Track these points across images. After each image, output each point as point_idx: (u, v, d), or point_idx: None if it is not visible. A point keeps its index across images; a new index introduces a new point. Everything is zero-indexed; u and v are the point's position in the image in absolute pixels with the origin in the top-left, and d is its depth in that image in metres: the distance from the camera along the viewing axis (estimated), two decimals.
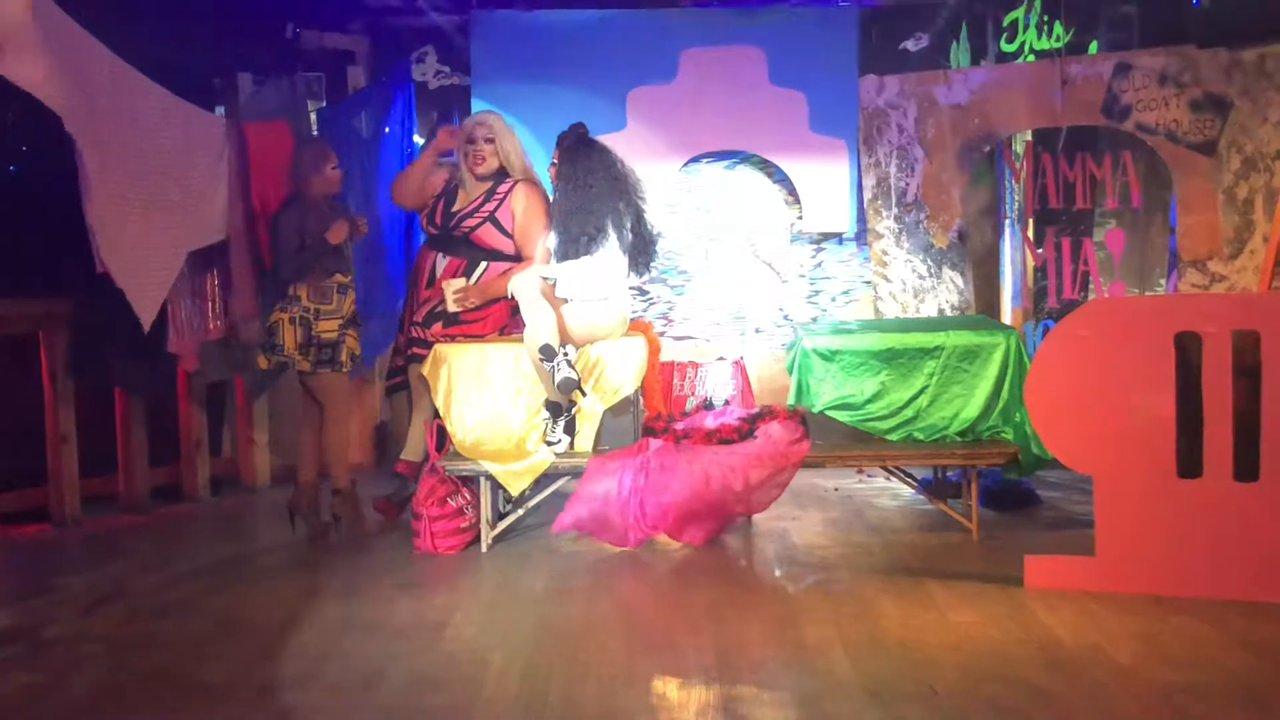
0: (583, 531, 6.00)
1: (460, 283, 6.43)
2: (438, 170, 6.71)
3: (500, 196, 6.52)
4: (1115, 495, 4.99)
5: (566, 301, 6.17)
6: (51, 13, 5.64)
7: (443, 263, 6.54)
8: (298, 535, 6.35)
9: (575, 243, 6.19)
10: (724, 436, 5.99)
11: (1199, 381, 4.90)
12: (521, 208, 6.50)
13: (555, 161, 6.37)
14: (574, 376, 5.92)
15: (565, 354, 5.95)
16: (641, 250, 6.36)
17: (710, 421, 6.12)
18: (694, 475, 5.84)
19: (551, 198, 6.43)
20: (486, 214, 6.49)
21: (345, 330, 6.27)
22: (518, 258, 6.53)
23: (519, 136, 7.11)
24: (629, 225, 6.27)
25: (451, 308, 6.43)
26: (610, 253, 6.21)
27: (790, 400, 6.37)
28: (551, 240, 6.34)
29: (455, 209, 6.51)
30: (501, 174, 6.58)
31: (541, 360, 5.94)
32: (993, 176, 8.38)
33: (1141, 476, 4.95)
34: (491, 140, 6.54)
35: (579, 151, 6.30)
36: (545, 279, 6.16)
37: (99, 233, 5.94)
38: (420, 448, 6.41)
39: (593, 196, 6.20)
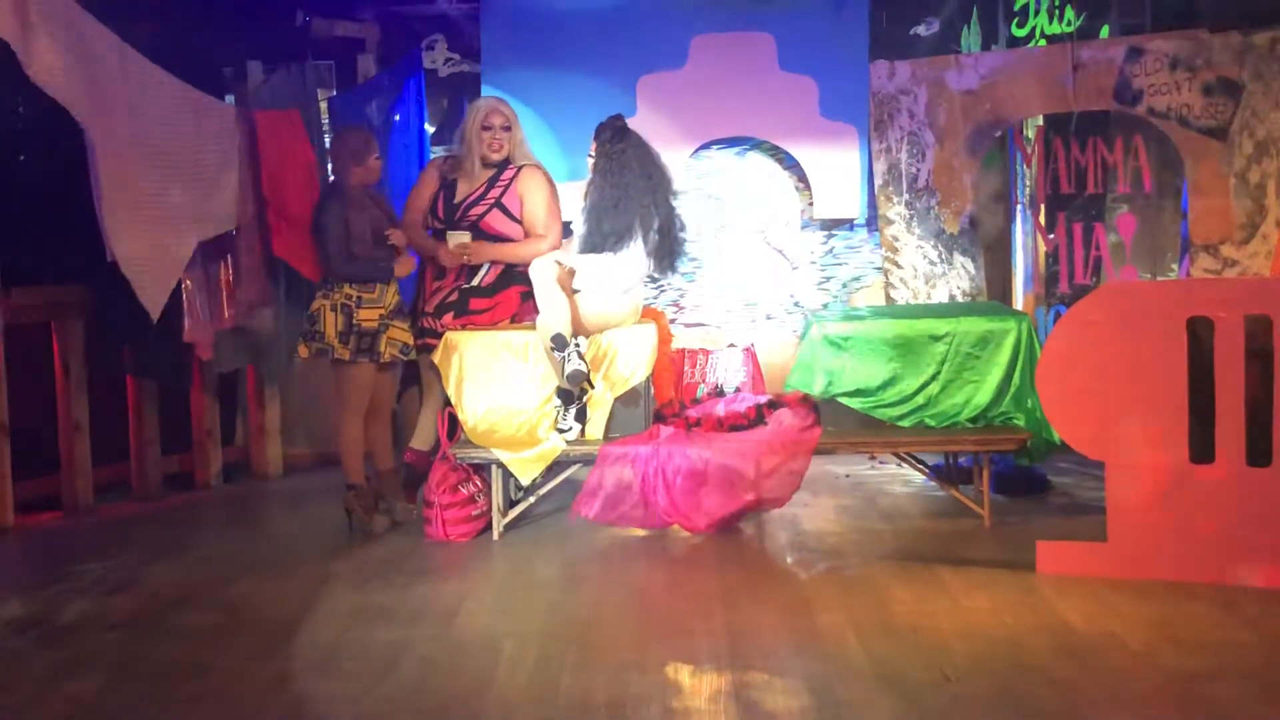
0: (600, 521, 6.00)
1: (465, 237, 6.41)
2: (427, 184, 6.67)
3: (505, 182, 6.50)
4: (1127, 481, 4.99)
5: (580, 290, 6.16)
6: (62, 2, 5.65)
7: None
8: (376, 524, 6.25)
9: (605, 237, 6.16)
10: (734, 424, 5.99)
11: (1211, 366, 4.89)
12: (529, 191, 6.48)
13: (590, 154, 6.34)
14: (583, 369, 5.92)
15: (576, 345, 5.95)
16: (669, 249, 6.32)
17: (722, 409, 6.12)
18: (705, 463, 5.85)
19: (587, 189, 6.38)
20: (493, 200, 6.47)
21: (388, 320, 6.20)
22: None
23: (530, 123, 7.12)
24: (657, 224, 6.23)
25: (446, 261, 6.39)
26: (635, 250, 6.19)
27: (788, 384, 6.35)
28: (579, 230, 6.30)
29: (457, 200, 6.49)
30: (504, 163, 6.57)
31: (553, 349, 5.94)
32: (1004, 162, 8.35)
33: (1154, 462, 4.94)
34: (509, 128, 6.52)
35: (616, 145, 6.26)
36: (560, 264, 6.15)
37: (109, 222, 5.96)
38: (430, 436, 6.40)
39: (627, 192, 6.16)
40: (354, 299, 6.13)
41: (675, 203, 6.36)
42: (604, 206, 6.18)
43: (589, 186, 6.32)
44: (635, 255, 6.20)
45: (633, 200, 6.16)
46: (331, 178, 6.45)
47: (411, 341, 6.33)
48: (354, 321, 6.13)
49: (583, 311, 6.10)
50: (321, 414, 7.71)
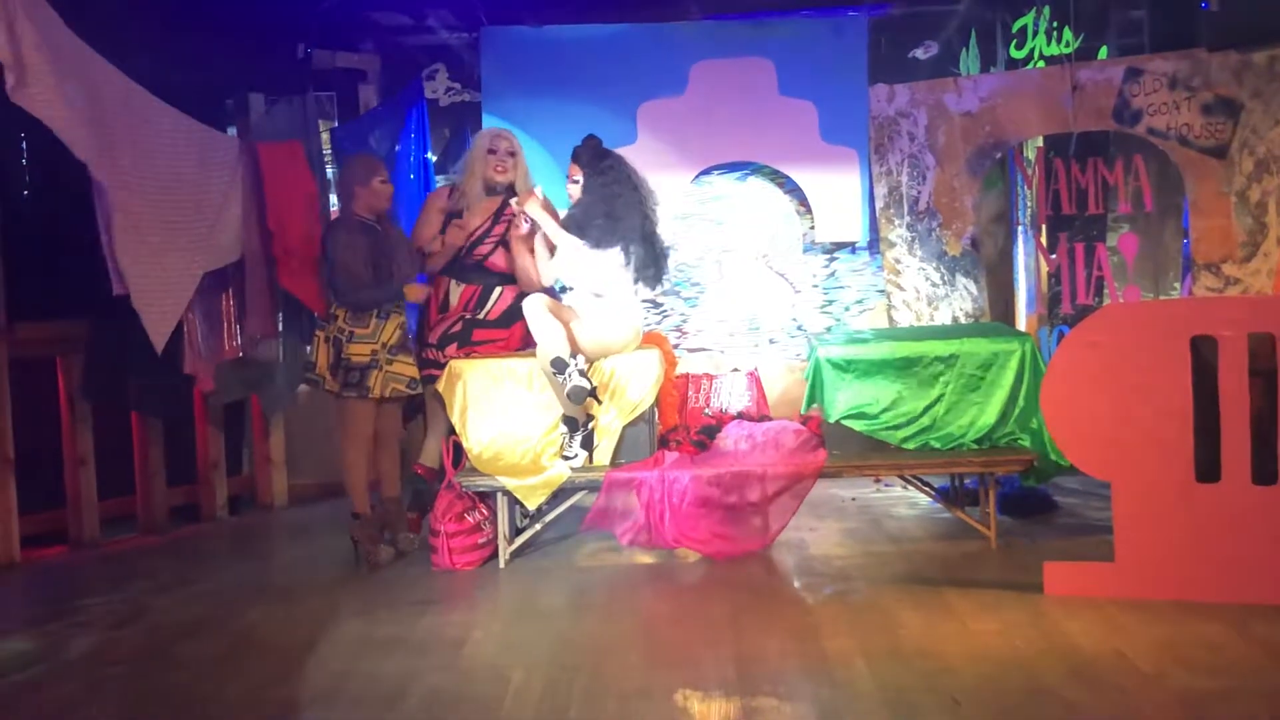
0: (608, 529, 6.01)
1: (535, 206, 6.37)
2: (431, 222, 6.69)
3: (509, 218, 6.53)
4: (1134, 501, 4.98)
5: (577, 317, 6.17)
6: (64, 37, 5.68)
7: (456, 289, 6.56)
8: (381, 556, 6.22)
9: (590, 225, 6.20)
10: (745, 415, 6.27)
11: (1215, 385, 4.89)
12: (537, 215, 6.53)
13: (574, 177, 6.36)
14: (586, 385, 5.90)
15: (576, 363, 5.95)
16: (651, 263, 6.34)
17: (730, 444, 6.15)
18: (710, 488, 5.86)
19: (569, 211, 6.42)
20: (497, 238, 6.52)
21: (389, 356, 6.17)
22: None
23: (530, 151, 7.14)
24: (639, 237, 6.27)
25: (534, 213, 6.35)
26: (614, 257, 6.21)
27: (803, 409, 6.37)
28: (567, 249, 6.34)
29: (464, 239, 6.53)
30: (508, 191, 6.59)
31: (554, 374, 5.94)
32: (1005, 183, 8.37)
33: (1160, 482, 4.94)
34: (514, 154, 6.59)
35: (597, 164, 6.30)
36: (552, 295, 6.18)
37: (119, 255, 5.97)
38: (436, 457, 6.41)
39: (614, 208, 6.20)
40: (345, 333, 6.13)
41: (655, 217, 6.40)
42: (591, 222, 6.21)
43: (574, 208, 6.35)
44: (616, 261, 6.20)
45: (625, 208, 6.20)
46: (336, 210, 6.45)
47: (417, 375, 6.32)
48: (343, 355, 6.13)
49: (580, 338, 6.10)
50: (327, 444, 7.71)
